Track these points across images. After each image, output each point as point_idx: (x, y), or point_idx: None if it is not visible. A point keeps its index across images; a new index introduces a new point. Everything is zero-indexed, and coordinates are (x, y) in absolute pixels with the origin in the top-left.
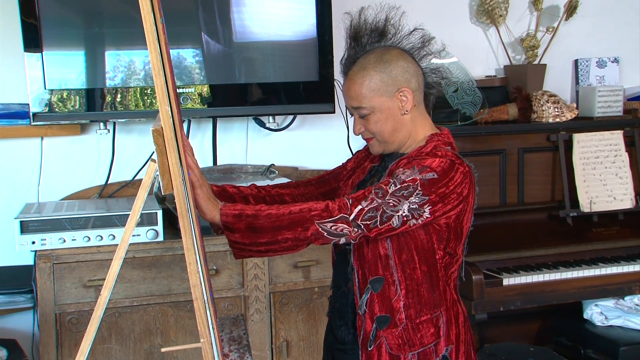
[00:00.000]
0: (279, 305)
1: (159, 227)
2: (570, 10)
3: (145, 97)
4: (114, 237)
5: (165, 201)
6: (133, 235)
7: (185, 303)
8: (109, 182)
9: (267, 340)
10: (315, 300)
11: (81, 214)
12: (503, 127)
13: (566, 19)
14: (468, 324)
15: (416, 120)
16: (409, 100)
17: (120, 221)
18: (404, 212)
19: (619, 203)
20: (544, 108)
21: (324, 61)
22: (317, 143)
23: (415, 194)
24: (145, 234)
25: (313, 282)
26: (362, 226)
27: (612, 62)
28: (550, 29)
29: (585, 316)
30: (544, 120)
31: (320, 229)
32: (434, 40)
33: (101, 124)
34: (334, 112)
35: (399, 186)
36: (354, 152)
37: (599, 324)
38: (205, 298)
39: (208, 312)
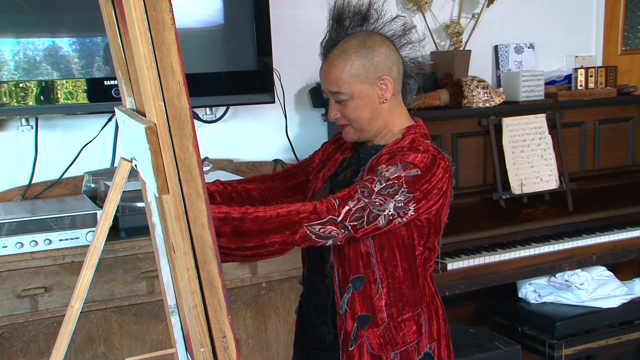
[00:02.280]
0: None
1: None
2: None
3: (72, 91)
4: (50, 241)
5: (97, 199)
6: (71, 239)
7: (129, 307)
8: (32, 182)
9: None
10: (263, 296)
11: (12, 219)
12: (438, 113)
13: (487, 6)
14: (445, 315)
15: (394, 110)
16: (388, 89)
17: (56, 224)
18: (389, 211)
19: (545, 184)
20: (474, 93)
21: (262, 49)
22: (253, 134)
23: (400, 191)
24: (84, 237)
25: (260, 277)
26: (350, 227)
27: (529, 47)
28: (475, 16)
29: (520, 295)
30: (474, 105)
31: (308, 232)
32: (415, 28)
33: (23, 119)
34: (273, 102)
35: (384, 184)
36: (292, 143)
37: (533, 301)
38: (202, 305)
39: (223, 316)
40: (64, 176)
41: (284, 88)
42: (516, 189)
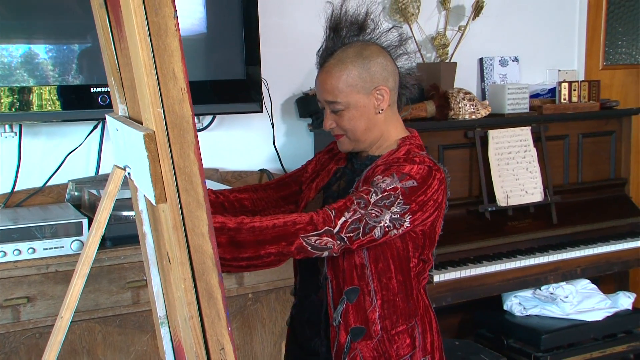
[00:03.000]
0: None
1: (85, 237)
2: (478, 10)
3: (56, 98)
4: (34, 250)
5: (81, 208)
6: (55, 248)
7: (114, 318)
8: (15, 189)
9: None
10: (250, 307)
11: None
12: (425, 125)
13: (473, 19)
14: (439, 328)
15: (389, 120)
16: (385, 99)
17: (40, 233)
18: (385, 223)
19: (530, 197)
20: (460, 105)
21: (251, 58)
22: (239, 143)
23: (396, 203)
24: (69, 246)
25: (247, 288)
26: (346, 239)
27: (513, 60)
28: (462, 28)
29: (505, 307)
30: (460, 117)
31: (304, 243)
32: (411, 39)
33: (6, 126)
34: (261, 112)
35: (380, 195)
36: (279, 153)
37: (518, 314)
38: (199, 317)
39: (222, 328)
40: (48, 184)
41: (271, 98)
42: (502, 201)
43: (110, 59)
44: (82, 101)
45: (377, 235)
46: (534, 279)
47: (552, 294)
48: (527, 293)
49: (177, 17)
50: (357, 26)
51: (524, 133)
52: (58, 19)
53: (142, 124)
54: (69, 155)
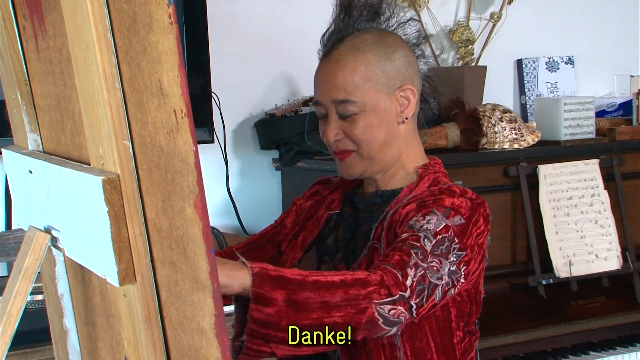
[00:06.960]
0: None
1: None
2: None
3: None
4: None
5: None
6: None
7: None
8: None
9: None
10: None
11: None
12: (446, 158)
13: (509, 3)
14: None
15: (410, 138)
16: (411, 103)
17: None
18: (445, 279)
19: (603, 263)
20: (496, 129)
21: (197, 64)
22: None
23: (452, 249)
24: None
25: None
26: (414, 307)
27: (566, 63)
28: (493, 16)
29: None
30: (497, 146)
31: (377, 314)
32: (431, 38)
33: None
34: (212, 142)
35: (433, 241)
36: (233, 198)
37: None
38: None
39: None
40: None
41: (224, 121)
42: (561, 270)
43: (16, 64)
44: None
45: (437, 298)
46: None
47: None
48: None
49: (172, 4)
50: (372, 10)
51: (590, 169)
52: None
53: (86, 164)
54: None
